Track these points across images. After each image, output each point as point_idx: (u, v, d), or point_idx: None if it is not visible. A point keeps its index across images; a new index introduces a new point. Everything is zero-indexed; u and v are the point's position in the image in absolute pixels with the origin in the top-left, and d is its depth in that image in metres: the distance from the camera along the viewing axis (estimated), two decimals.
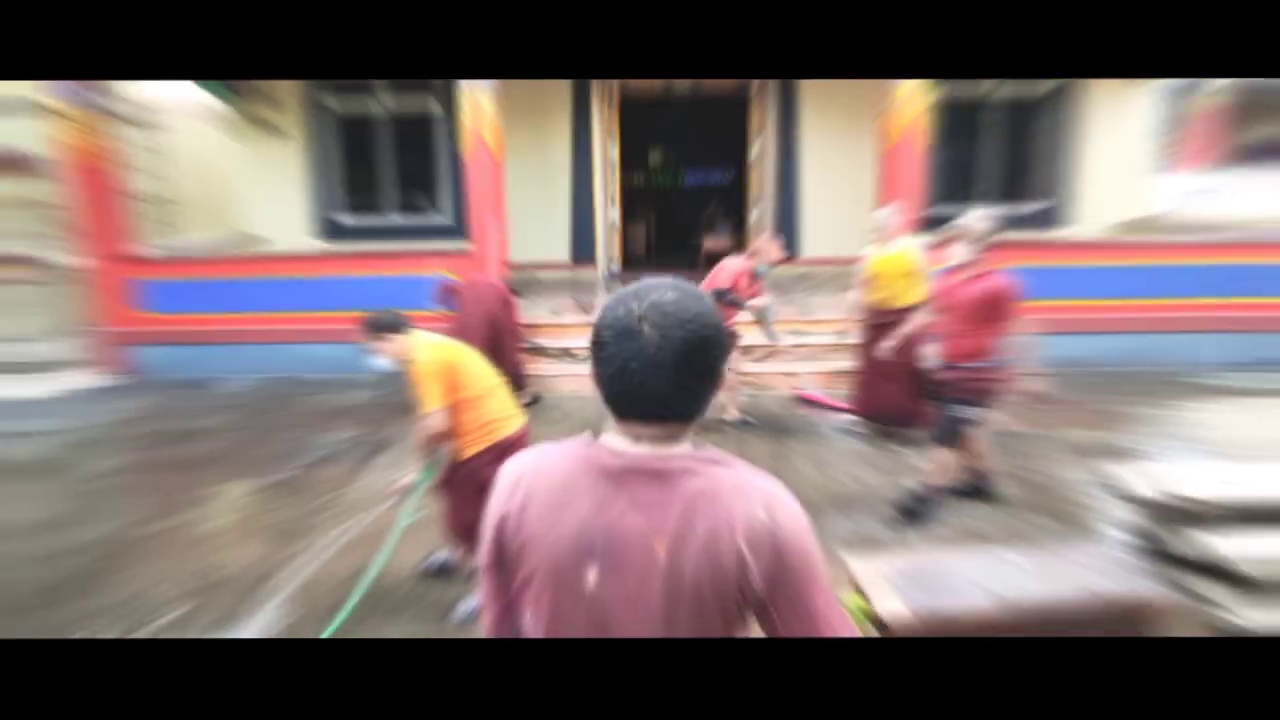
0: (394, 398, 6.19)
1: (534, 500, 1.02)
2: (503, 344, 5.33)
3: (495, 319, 5.42)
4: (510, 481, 1.06)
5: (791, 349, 6.44)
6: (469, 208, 6.57)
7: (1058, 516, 3.92)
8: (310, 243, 8.59)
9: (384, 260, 6.98)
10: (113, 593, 3.35)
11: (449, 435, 2.97)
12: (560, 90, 8.27)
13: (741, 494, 0.97)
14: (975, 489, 4.12)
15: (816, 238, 8.42)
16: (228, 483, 4.59)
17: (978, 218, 3.75)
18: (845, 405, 5.36)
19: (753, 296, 5.23)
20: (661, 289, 0.98)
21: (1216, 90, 16.86)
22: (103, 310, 6.77)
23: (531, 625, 1.06)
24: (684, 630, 0.97)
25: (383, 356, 3.01)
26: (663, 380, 0.95)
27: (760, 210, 8.92)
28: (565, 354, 6.55)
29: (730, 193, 11.32)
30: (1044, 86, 8.12)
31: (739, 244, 9.43)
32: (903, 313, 4.62)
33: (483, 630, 1.16)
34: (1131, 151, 8.22)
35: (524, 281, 7.99)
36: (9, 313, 7.64)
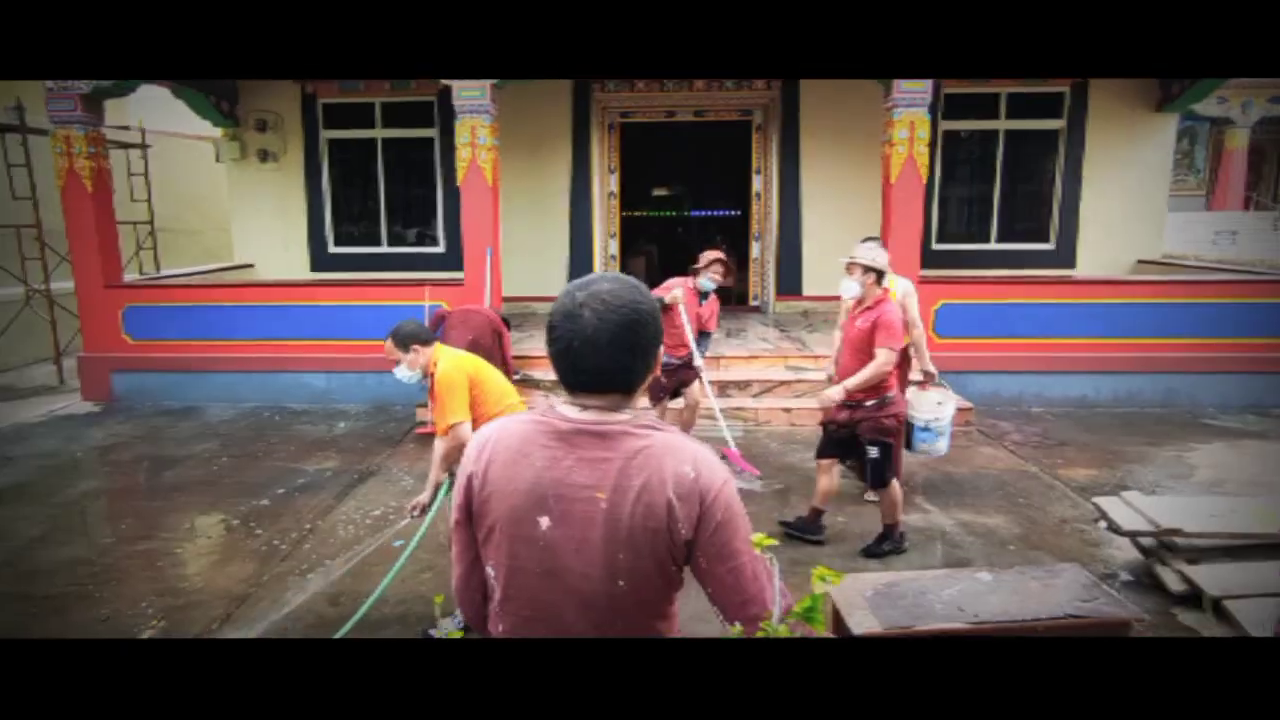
0: (378, 429, 6.44)
1: (496, 459, 1.25)
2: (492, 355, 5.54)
3: (484, 348, 5.66)
4: (477, 446, 1.30)
5: (792, 384, 6.67)
6: (464, 238, 6.90)
7: (1050, 549, 4.09)
8: (303, 271, 8.94)
9: (374, 289, 7.29)
10: (88, 611, 3.54)
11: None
12: (560, 120, 8.69)
13: (672, 453, 1.20)
14: (814, 528, 4.17)
15: (818, 274, 8.72)
16: (207, 508, 4.79)
17: (865, 251, 3.93)
18: (755, 470, 5.08)
19: (706, 317, 5.19)
20: (601, 281, 1.23)
21: (1241, 132, 17.32)
22: (90, 336, 7.06)
23: (493, 572, 1.28)
24: (623, 570, 1.19)
25: (408, 368, 3.16)
26: (600, 356, 1.19)
27: (762, 246, 9.26)
28: (558, 386, 6.79)
29: (735, 227, 11.69)
30: (1052, 123, 8.51)
31: (740, 279, 9.75)
32: None
33: (453, 584, 1.38)
34: (1141, 190, 8.56)
35: (519, 314, 8.28)
36: (4, 339, 7.97)
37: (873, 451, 3.95)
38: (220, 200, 11.39)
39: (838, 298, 8.30)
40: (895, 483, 4.03)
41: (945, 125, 8.53)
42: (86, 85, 6.61)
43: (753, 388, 6.65)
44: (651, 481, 1.17)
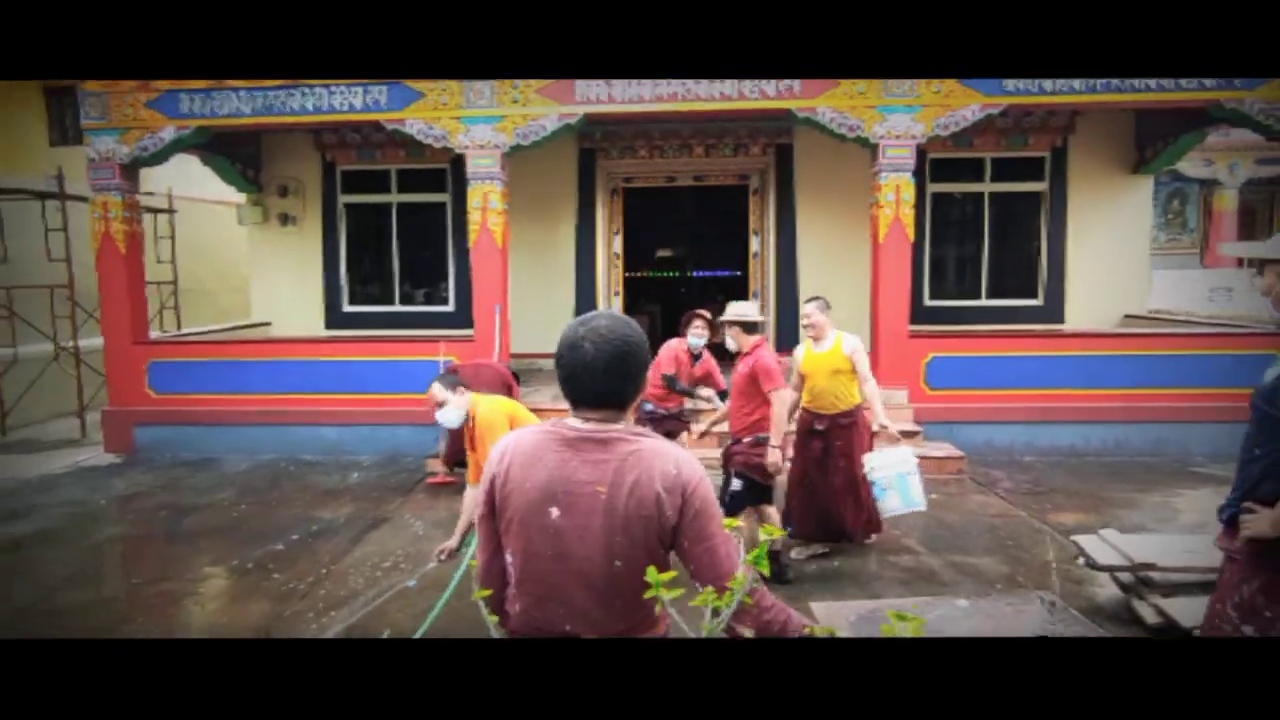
0: (389, 479, 6.68)
1: (515, 463, 1.53)
2: None
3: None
4: (499, 453, 1.58)
5: (786, 435, 6.90)
6: (474, 297, 7.28)
7: (1035, 587, 4.27)
8: (318, 329, 9.32)
9: (386, 345, 7.64)
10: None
11: None
12: (566, 184, 9.16)
13: (659, 455, 1.48)
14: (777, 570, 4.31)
15: None
16: (226, 552, 5.02)
17: (734, 308, 4.33)
18: None
19: (701, 376, 5.51)
20: (599, 318, 1.52)
21: (1229, 193, 17.91)
22: (115, 390, 7.39)
23: (511, 557, 1.55)
24: (619, 552, 1.46)
25: (453, 410, 3.41)
26: (598, 380, 1.48)
27: (760, 304, 9.62)
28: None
29: (736, 286, 12.10)
30: (1034, 186, 8.96)
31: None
32: (845, 415, 4.56)
33: (478, 569, 1.64)
34: (1124, 249, 8.94)
35: (526, 369, 8.59)
36: (30, 393, 8.32)
37: (735, 484, 4.25)
38: (237, 262, 11.90)
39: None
40: (752, 519, 4.25)
41: (933, 188, 8.98)
42: (126, 155, 7.10)
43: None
44: (642, 478, 1.45)
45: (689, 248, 14.20)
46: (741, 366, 4.25)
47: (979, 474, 6.51)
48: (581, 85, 6.85)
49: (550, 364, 6.36)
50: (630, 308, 10.56)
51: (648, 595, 1.26)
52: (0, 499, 6.27)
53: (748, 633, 1.43)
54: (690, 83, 6.81)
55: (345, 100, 6.96)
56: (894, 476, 4.23)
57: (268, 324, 9.49)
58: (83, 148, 11.34)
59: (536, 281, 9.07)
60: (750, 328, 4.28)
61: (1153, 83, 6.53)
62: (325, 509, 5.86)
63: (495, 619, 1.51)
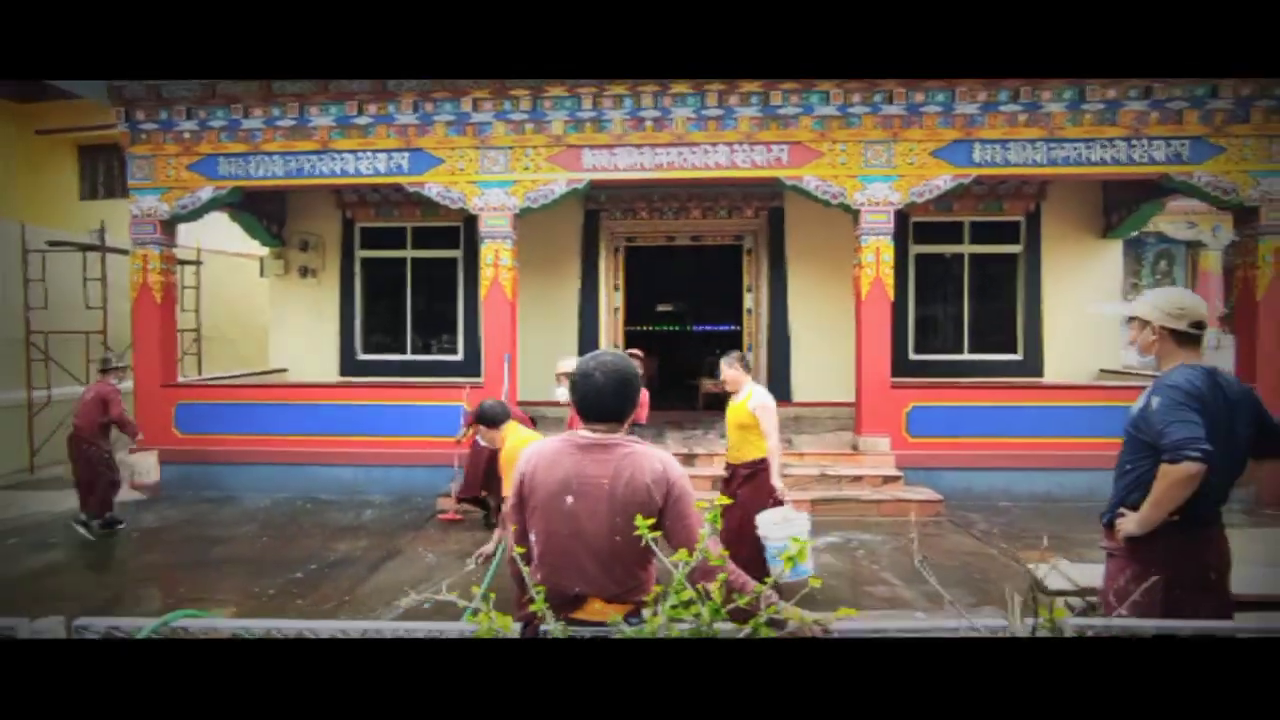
0: (402, 516, 7.12)
1: (539, 465, 2.05)
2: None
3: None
4: (526, 456, 2.09)
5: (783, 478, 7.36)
6: (485, 346, 7.83)
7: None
8: (333, 375, 9.85)
9: (397, 391, 8.16)
10: None
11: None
12: (571, 243, 9.81)
13: (648, 456, 1.99)
14: None
15: (806, 382, 9.58)
16: (253, 577, 5.45)
17: (564, 364, 5.09)
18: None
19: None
20: (605, 354, 2.06)
21: (1213, 254, 18.65)
22: (144, 430, 7.86)
23: (534, 536, 2.04)
24: (619, 530, 1.95)
25: (486, 440, 4.11)
26: (605, 400, 2.01)
27: (754, 357, 10.17)
28: None
29: (733, 340, 12.68)
30: (1010, 248, 9.60)
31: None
32: (747, 466, 4.71)
33: (510, 541, 2.13)
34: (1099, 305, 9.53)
35: (532, 416, 9.08)
36: (59, 433, 8.81)
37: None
38: (255, 312, 12.51)
39: (826, 403, 9.08)
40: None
41: (917, 249, 9.63)
42: (167, 212, 7.75)
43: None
44: (635, 473, 1.96)
45: (689, 304, 14.86)
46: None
47: (957, 517, 6.95)
48: (588, 153, 7.53)
49: (552, 412, 6.97)
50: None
51: (640, 540, 1.75)
52: (34, 529, 6.72)
53: (716, 591, 1.90)
54: (687, 151, 7.49)
55: (370, 165, 7.64)
56: (785, 544, 4.07)
57: (284, 370, 10.02)
58: (110, 202, 12.11)
59: (542, 334, 9.62)
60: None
61: (1109, 156, 7.20)
62: (342, 543, 6.29)
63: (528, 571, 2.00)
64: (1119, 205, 9.11)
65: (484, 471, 6.06)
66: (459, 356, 9.98)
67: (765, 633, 1.62)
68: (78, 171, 15.27)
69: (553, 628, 1.71)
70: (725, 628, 1.66)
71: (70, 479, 6.68)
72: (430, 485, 7.50)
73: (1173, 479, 2.21)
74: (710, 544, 1.85)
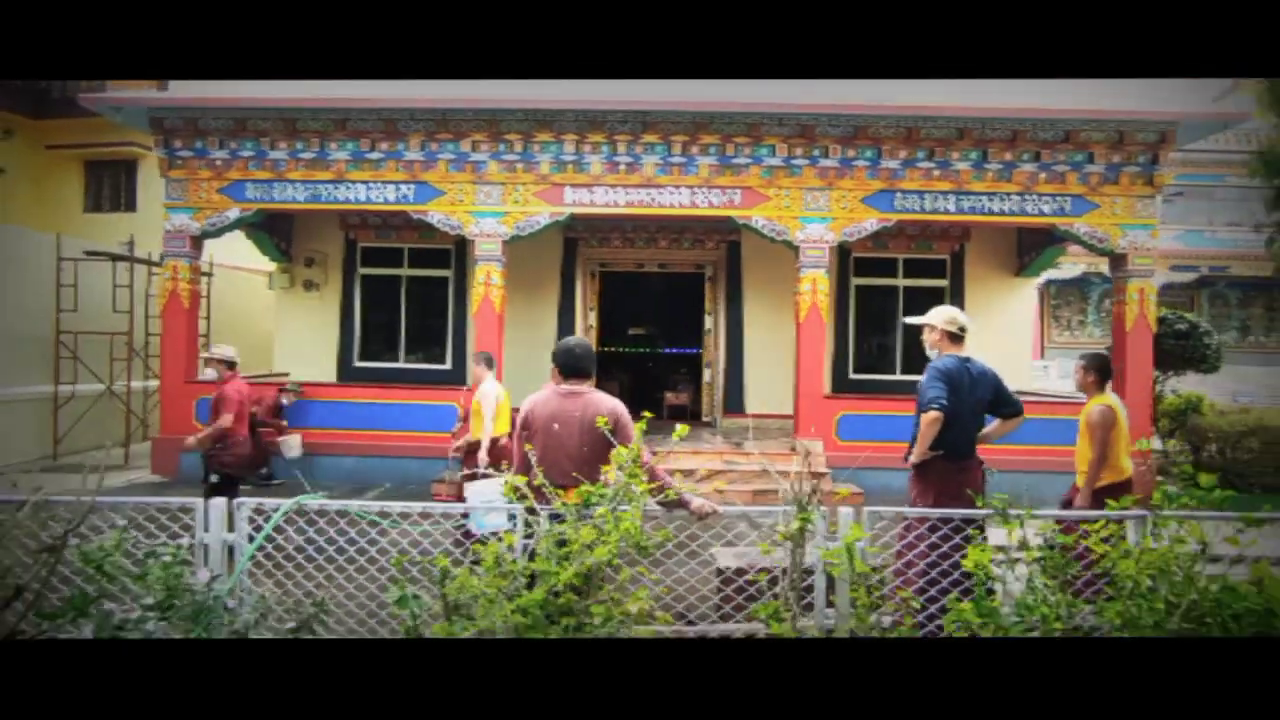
0: (398, 496, 8.26)
1: (537, 405, 3.33)
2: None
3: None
4: (528, 402, 3.37)
5: (725, 472, 8.66)
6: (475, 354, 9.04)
7: None
8: (331, 380, 10.98)
9: (395, 391, 9.33)
10: None
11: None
12: (551, 266, 11.07)
13: (603, 399, 3.28)
14: None
15: (758, 395, 10.91)
16: None
17: (217, 350, 6.38)
18: None
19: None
20: (577, 337, 3.42)
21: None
22: (167, 421, 8.97)
23: (533, 451, 3.30)
24: (587, 443, 3.22)
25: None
26: (580, 362, 3.34)
27: (713, 373, 11.50)
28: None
29: (697, 360, 14.03)
30: (937, 282, 11.07)
31: (695, 400, 11.95)
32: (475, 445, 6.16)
33: (517, 459, 3.38)
34: (1012, 337, 11.01)
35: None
36: (92, 424, 9.86)
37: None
38: (254, 321, 13.62)
39: (776, 415, 10.35)
40: None
41: (857, 281, 11.05)
42: (197, 229, 8.92)
43: (697, 474, 8.62)
44: (595, 409, 3.23)
45: (659, 327, 16.21)
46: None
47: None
48: (569, 190, 8.85)
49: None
50: (604, 376, 12.37)
51: (599, 450, 3.02)
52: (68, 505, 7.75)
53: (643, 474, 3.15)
54: (655, 191, 8.85)
55: (380, 194, 8.90)
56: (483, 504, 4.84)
57: (287, 374, 11.12)
58: (115, 215, 13.24)
59: (524, 347, 10.82)
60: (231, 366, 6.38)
61: (1007, 208, 8.68)
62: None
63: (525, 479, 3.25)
64: (1029, 248, 10.63)
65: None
66: (448, 366, 11.16)
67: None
68: (83, 185, 16.32)
69: (551, 495, 2.95)
70: (716, 629, 2.91)
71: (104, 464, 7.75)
72: (424, 473, 8.65)
73: (925, 422, 3.54)
74: (643, 450, 3.13)
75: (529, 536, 2.91)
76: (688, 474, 8.62)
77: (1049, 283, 25.40)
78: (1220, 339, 28.71)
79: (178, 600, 2.66)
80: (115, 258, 9.97)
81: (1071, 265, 23.03)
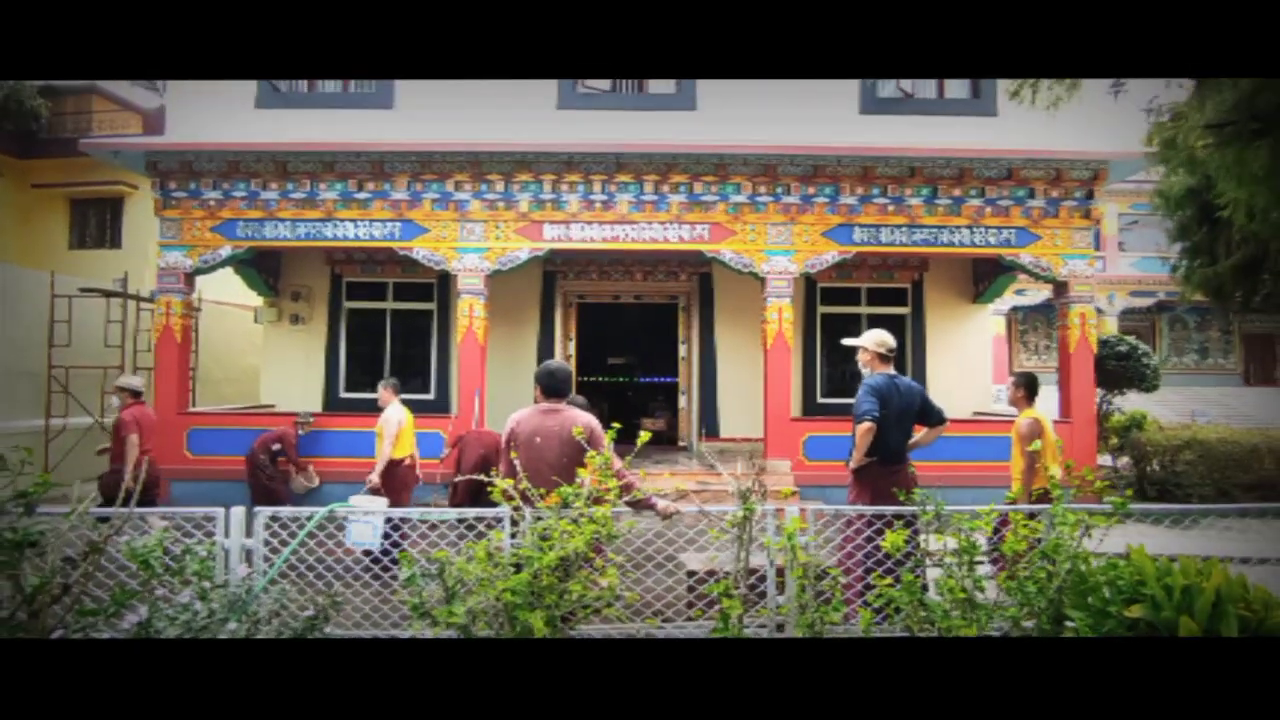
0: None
1: (521, 421, 3.83)
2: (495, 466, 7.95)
3: (493, 460, 8.04)
4: (512, 419, 3.88)
5: (699, 492, 9.13)
6: (460, 384, 9.51)
7: None
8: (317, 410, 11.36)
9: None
10: None
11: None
12: (532, 298, 11.59)
13: (578, 415, 3.80)
14: None
15: (732, 420, 11.44)
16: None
17: (123, 380, 6.99)
18: None
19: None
20: (556, 363, 3.90)
21: (1110, 320, 21.44)
22: (159, 452, 9.28)
23: (517, 460, 3.80)
24: (565, 454, 3.72)
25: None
26: (560, 385, 3.86)
27: (688, 399, 12.03)
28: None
29: (673, 388, 14.56)
30: (899, 310, 11.73)
31: (672, 425, 12.47)
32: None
33: (503, 469, 3.87)
34: (970, 362, 11.67)
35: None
36: (81, 456, 10.15)
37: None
38: (237, 355, 13.99)
39: (748, 439, 10.86)
40: None
41: (823, 309, 11.69)
42: (190, 266, 9.36)
43: (670, 495, 9.08)
44: (570, 424, 3.75)
45: (636, 356, 16.76)
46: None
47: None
48: (548, 227, 9.42)
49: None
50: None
51: (575, 460, 3.52)
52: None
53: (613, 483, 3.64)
54: (629, 227, 9.44)
55: (368, 231, 9.41)
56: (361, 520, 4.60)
57: (273, 406, 11.50)
58: (98, 251, 13.66)
59: (505, 377, 11.31)
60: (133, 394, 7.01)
61: (957, 240, 9.37)
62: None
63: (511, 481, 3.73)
64: (983, 277, 11.33)
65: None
66: (431, 396, 11.59)
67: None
68: (68, 223, 16.68)
69: (534, 497, 3.44)
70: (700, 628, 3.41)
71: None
72: (413, 499, 9.03)
73: (859, 432, 4.08)
74: (613, 457, 3.64)
75: (514, 535, 3.39)
76: (663, 494, 9.09)
77: (1015, 309, 26.38)
78: (1181, 361, 29.64)
79: (209, 585, 3.12)
80: (109, 294, 10.36)
81: (1036, 292, 24.00)
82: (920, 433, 4.54)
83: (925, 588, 3.34)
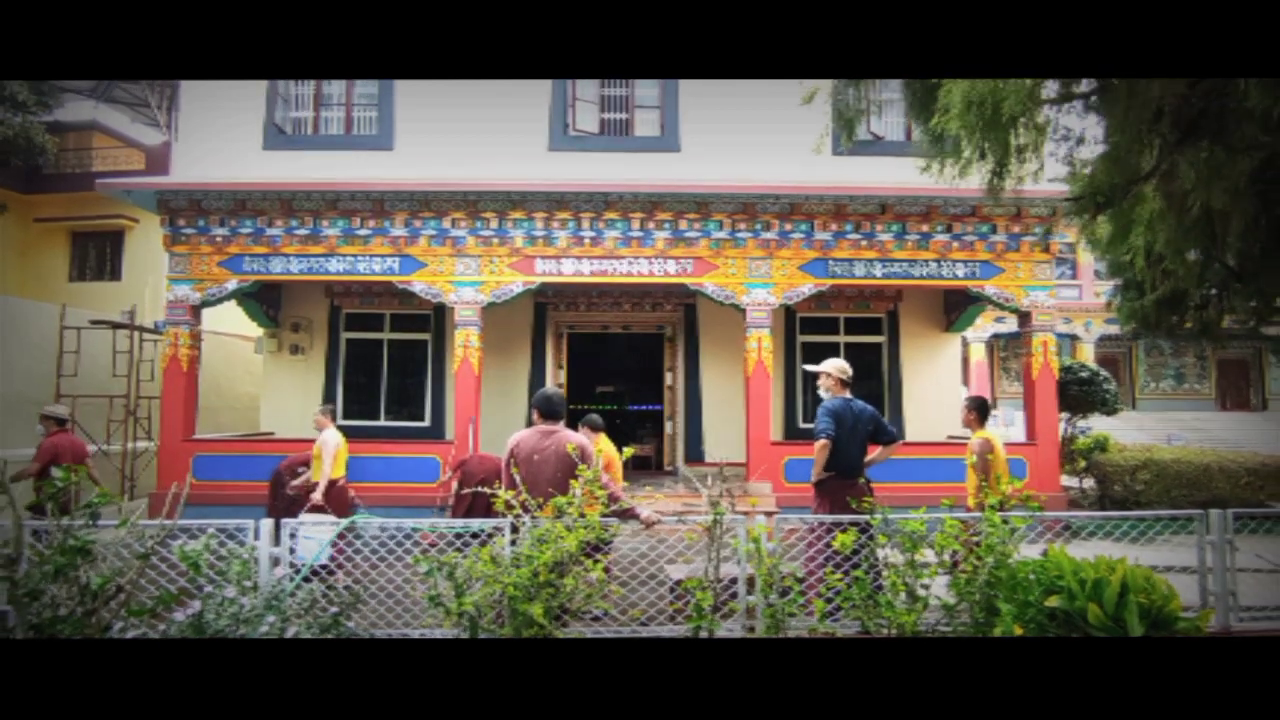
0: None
1: (522, 441, 4.35)
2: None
3: (492, 484, 8.52)
4: (513, 439, 4.40)
5: (682, 513, 9.60)
6: (456, 412, 9.99)
7: None
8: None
9: (380, 444, 10.21)
10: None
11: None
12: (523, 329, 12.13)
13: (572, 435, 4.32)
14: None
15: (716, 446, 11.94)
16: None
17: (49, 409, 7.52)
18: None
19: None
20: (553, 388, 4.44)
21: (1088, 346, 22.16)
22: (165, 477, 9.71)
23: (518, 477, 4.31)
24: (560, 471, 4.23)
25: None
26: (556, 408, 4.38)
27: (674, 425, 12.55)
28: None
29: (660, 415, 15.07)
30: (876, 338, 12.34)
31: (658, 450, 12.96)
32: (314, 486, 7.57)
33: (504, 482, 4.38)
34: (943, 387, 12.26)
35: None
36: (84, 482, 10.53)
37: None
38: (234, 384, 14.42)
39: (732, 463, 11.37)
40: None
41: (802, 338, 12.27)
42: (197, 299, 9.86)
43: (668, 513, 9.55)
44: (564, 443, 4.27)
45: (626, 385, 17.30)
46: None
47: None
48: (540, 261, 9.99)
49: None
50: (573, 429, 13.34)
51: (569, 475, 4.03)
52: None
53: (601, 493, 4.15)
54: (616, 262, 10.01)
55: (368, 266, 9.95)
56: (313, 538, 4.86)
57: (272, 433, 11.92)
58: (98, 284, 14.12)
59: (498, 405, 11.82)
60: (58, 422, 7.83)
61: (926, 272, 10.00)
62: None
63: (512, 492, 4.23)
64: (953, 307, 11.97)
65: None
66: (427, 423, 12.06)
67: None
68: (69, 256, 17.16)
69: (534, 509, 3.95)
70: (682, 629, 3.92)
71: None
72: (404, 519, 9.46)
73: (817, 448, 4.62)
74: (603, 473, 4.14)
75: (514, 542, 3.89)
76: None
77: (996, 335, 27.12)
78: (1158, 386, 30.35)
79: (249, 584, 3.60)
80: (117, 325, 10.82)
81: (1014, 321, 24.77)
82: (875, 451, 5.09)
83: (880, 587, 3.85)
